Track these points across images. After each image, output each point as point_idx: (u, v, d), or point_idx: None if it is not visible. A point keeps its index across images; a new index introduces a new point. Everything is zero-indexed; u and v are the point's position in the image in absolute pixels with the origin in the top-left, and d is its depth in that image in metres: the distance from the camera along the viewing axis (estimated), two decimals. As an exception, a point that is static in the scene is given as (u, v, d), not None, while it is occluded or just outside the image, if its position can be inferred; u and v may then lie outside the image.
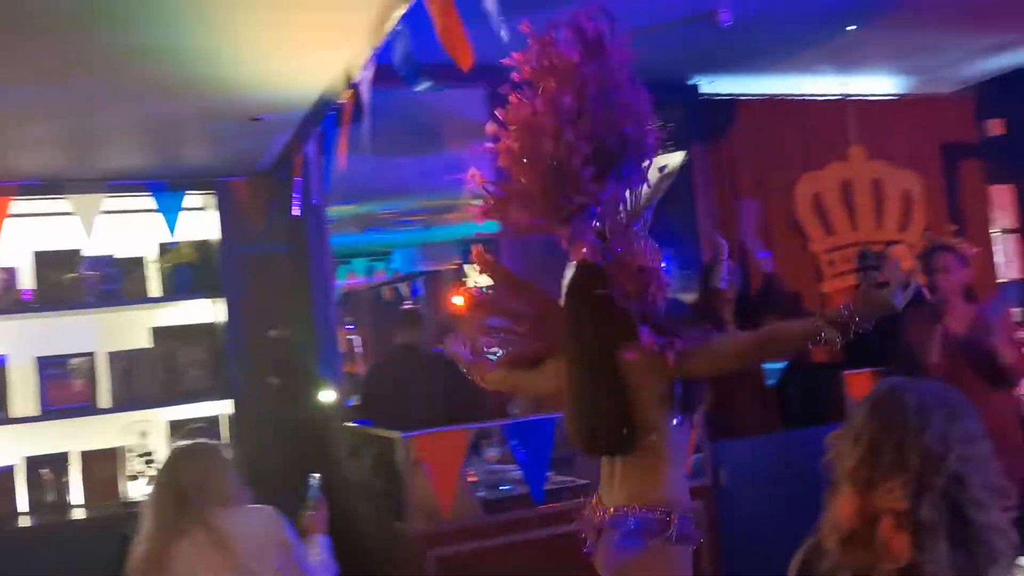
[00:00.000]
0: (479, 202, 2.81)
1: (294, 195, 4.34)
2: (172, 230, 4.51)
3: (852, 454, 1.51)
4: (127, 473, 4.48)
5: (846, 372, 4.38)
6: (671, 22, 4.30)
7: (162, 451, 4.37)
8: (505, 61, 2.76)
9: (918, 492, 1.43)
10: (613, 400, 2.43)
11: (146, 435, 4.53)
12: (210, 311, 4.77)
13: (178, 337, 4.66)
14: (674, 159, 5.25)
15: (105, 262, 4.54)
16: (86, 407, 4.42)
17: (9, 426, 4.32)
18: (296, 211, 4.41)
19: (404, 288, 9.26)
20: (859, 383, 4.27)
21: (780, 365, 4.88)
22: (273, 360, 4.89)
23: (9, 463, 4.34)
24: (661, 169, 2.96)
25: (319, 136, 4.00)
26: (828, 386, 4.40)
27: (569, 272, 2.71)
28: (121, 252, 4.62)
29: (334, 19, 2.83)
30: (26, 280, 4.45)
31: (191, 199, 4.66)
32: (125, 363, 4.52)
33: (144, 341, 4.60)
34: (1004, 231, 6.14)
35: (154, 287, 4.64)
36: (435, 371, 4.29)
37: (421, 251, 9.24)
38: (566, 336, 2.60)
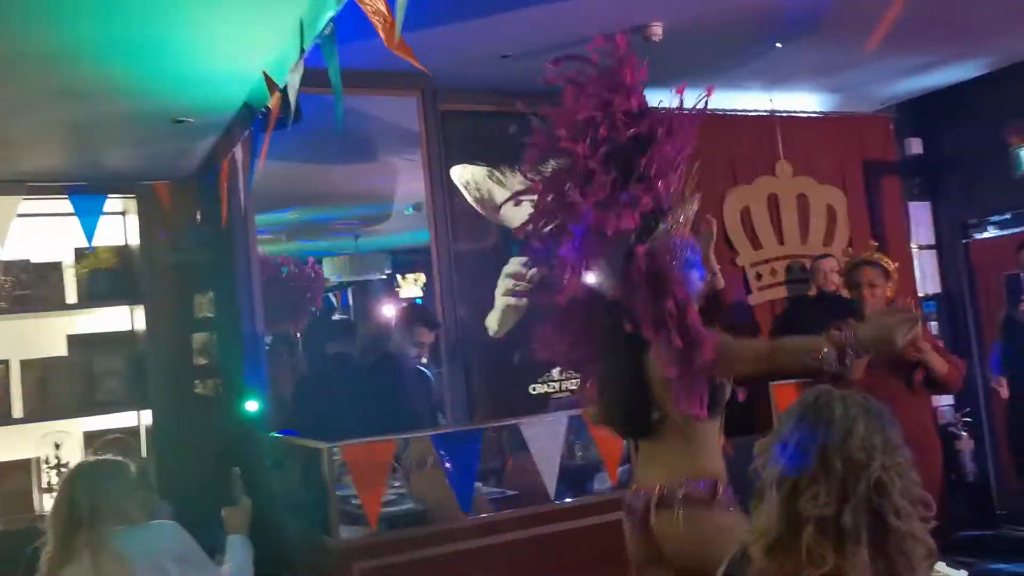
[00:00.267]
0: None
1: (222, 201, 4.25)
2: (90, 235, 4.37)
3: (779, 462, 1.53)
4: (41, 485, 4.31)
5: (771, 383, 4.44)
6: (604, 35, 4.34)
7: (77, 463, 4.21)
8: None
9: (842, 499, 1.45)
10: (641, 392, 2.57)
11: (61, 446, 4.37)
12: (129, 319, 4.63)
13: (95, 345, 4.52)
14: (605, 171, 5.30)
15: (20, 267, 4.38)
16: (-2, 417, 4.26)
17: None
18: (223, 218, 4.31)
19: (334, 298, 9.12)
20: (785, 394, 4.33)
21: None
22: (196, 369, 4.77)
23: (-85, 475, 4.14)
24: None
25: (246, 141, 3.92)
26: (754, 397, 4.45)
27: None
28: (37, 257, 4.46)
29: (261, 19, 2.77)
30: (-64, 284, 4.27)
31: (112, 203, 4.53)
32: (40, 371, 4.36)
33: (60, 349, 4.45)
34: (921, 247, 6.33)
35: (71, 293, 4.50)
36: (366, 381, 4.23)
37: (351, 261, 9.12)
38: (603, 332, 2.74)
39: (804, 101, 5.92)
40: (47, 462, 4.34)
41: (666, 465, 2.56)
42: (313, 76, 3.03)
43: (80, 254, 4.51)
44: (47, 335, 4.45)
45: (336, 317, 7.74)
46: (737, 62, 4.96)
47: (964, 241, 6.20)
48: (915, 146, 6.33)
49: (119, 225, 4.65)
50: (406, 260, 8.65)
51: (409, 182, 5.39)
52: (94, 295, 4.50)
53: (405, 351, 4.47)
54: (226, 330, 4.71)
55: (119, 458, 2.69)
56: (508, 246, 5.06)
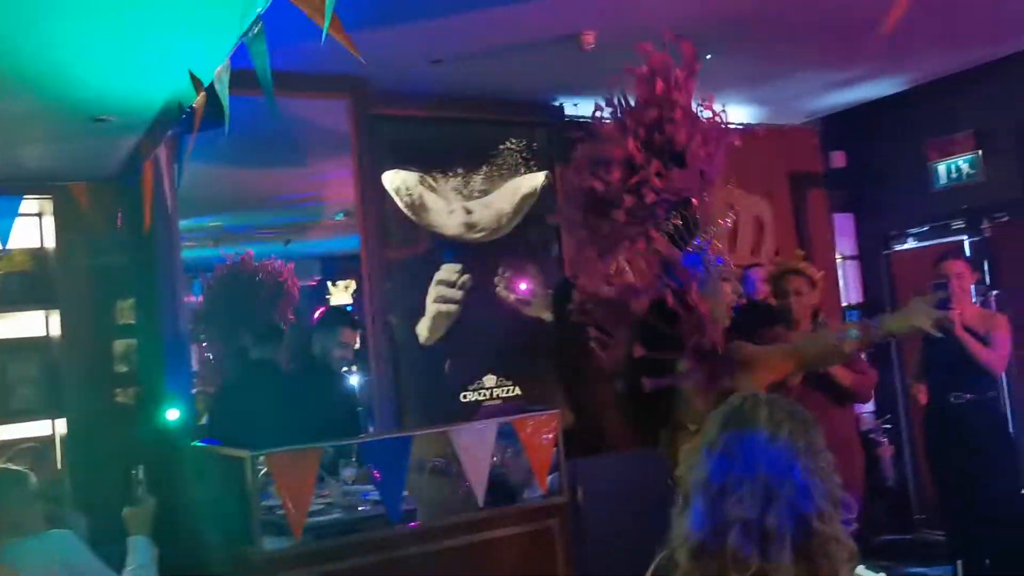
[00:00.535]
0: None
1: (144, 204, 4.13)
2: (4, 237, 4.22)
3: (704, 465, 1.54)
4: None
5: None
6: (536, 42, 4.35)
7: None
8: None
9: (766, 502, 1.46)
10: (664, 405, 2.78)
11: (-31, 457, 4.19)
12: (44, 324, 4.47)
13: (8, 351, 4.37)
14: (537, 179, 5.31)
15: (-72, 269, 4.21)
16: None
17: None
18: (145, 221, 4.18)
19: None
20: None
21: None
22: (117, 377, 4.63)
23: None
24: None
25: (171, 141, 3.82)
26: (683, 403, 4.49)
27: None
28: (-54, 259, 4.29)
29: (186, 14, 2.69)
30: None
31: (27, 204, 4.37)
32: (-52, 379, 4.19)
33: (-30, 355, 4.28)
34: (845, 258, 6.48)
35: (-18, 297, 4.33)
36: (292, 387, 4.15)
37: (281, 267, 8.98)
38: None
39: (733, 113, 6.00)
40: (-45, 473, 4.15)
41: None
42: (239, 77, 2.95)
43: (-8, 256, 4.35)
44: (-43, 340, 4.28)
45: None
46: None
47: (885, 252, 6.37)
48: (839, 159, 6.48)
49: (35, 227, 4.48)
50: (337, 267, 8.57)
51: (339, 187, 5.32)
52: (7, 299, 4.36)
53: (329, 355, 4.40)
54: (148, 337, 4.58)
55: (18, 468, 2.65)
56: (440, 252, 5.03)
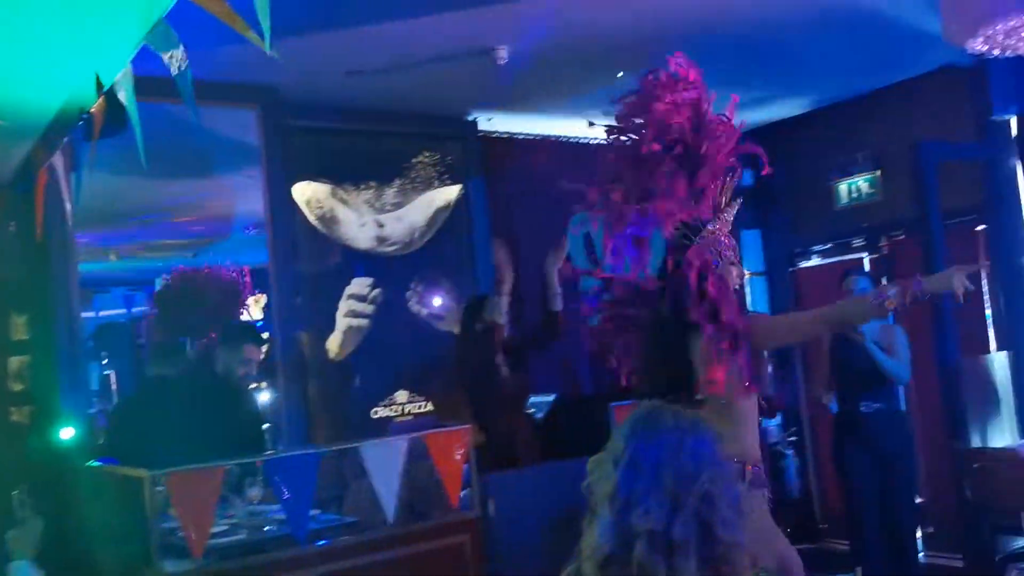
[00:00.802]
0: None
1: (36, 212, 3.96)
2: None
3: (611, 476, 1.53)
4: None
5: (613, 404, 4.51)
6: (450, 56, 4.34)
7: None
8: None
9: (672, 512, 1.46)
10: (685, 373, 2.90)
11: None
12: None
13: None
14: (450, 193, 5.30)
15: None
16: None
17: None
18: (38, 231, 4.01)
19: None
20: (626, 415, 4.40)
21: (549, 398, 4.97)
22: (11, 396, 4.42)
23: None
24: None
25: (67, 148, 3.67)
26: (595, 417, 4.51)
27: None
28: None
29: (82, 16, 2.59)
30: None
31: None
32: None
33: None
34: (752, 273, 6.62)
35: None
36: (192, 404, 4.01)
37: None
38: (649, 319, 3.10)
39: (644, 131, 6.10)
40: None
41: None
42: (142, 84, 2.86)
43: None
44: None
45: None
46: (582, 89, 5.06)
47: (791, 269, 6.54)
48: (747, 177, 6.62)
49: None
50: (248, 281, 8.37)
51: (250, 200, 5.21)
52: None
53: (232, 371, 4.28)
54: (43, 353, 4.38)
55: None
56: (351, 266, 4.96)
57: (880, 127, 5.73)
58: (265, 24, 2.08)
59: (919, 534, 4.99)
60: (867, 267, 5.83)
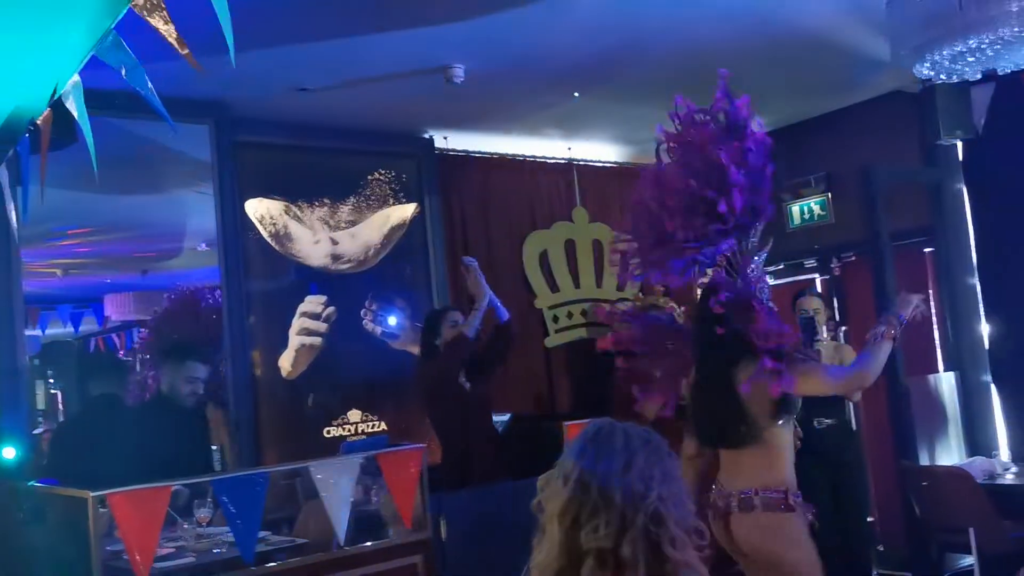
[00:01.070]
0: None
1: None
2: None
3: (561, 494, 1.52)
4: None
5: (566, 422, 4.51)
6: (405, 74, 4.33)
7: None
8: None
9: (621, 531, 1.46)
10: (732, 406, 2.93)
11: None
12: None
13: None
14: (406, 211, 5.27)
15: None
16: None
17: None
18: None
19: (117, 339, 8.56)
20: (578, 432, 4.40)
21: (504, 417, 4.95)
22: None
23: None
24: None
25: (11, 161, 3.58)
26: (548, 436, 4.50)
27: None
28: None
29: (23, 24, 2.53)
30: None
31: None
32: None
33: None
34: (707, 293, 6.67)
35: None
36: (135, 423, 3.92)
37: (137, 299, 8.59)
38: (695, 354, 3.14)
39: (602, 151, 6.15)
40: None
41: (747, 473, 2.95)
42: (90, 97, 2.80)
43: None
44: None
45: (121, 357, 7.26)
46: (537, 108, 5.08)
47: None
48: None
49: None
50: (198, 299, 8.24)
51: (202, 216, 5.13)
52: None
53: (177, 389, 4.19)
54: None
55: None
56: (304, 283, 4.90)
57: (831, 150, 5.82)
58: (228, 36, 2.05)
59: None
60: (819, 288, 5.90)
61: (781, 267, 6.29)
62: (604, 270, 6.03)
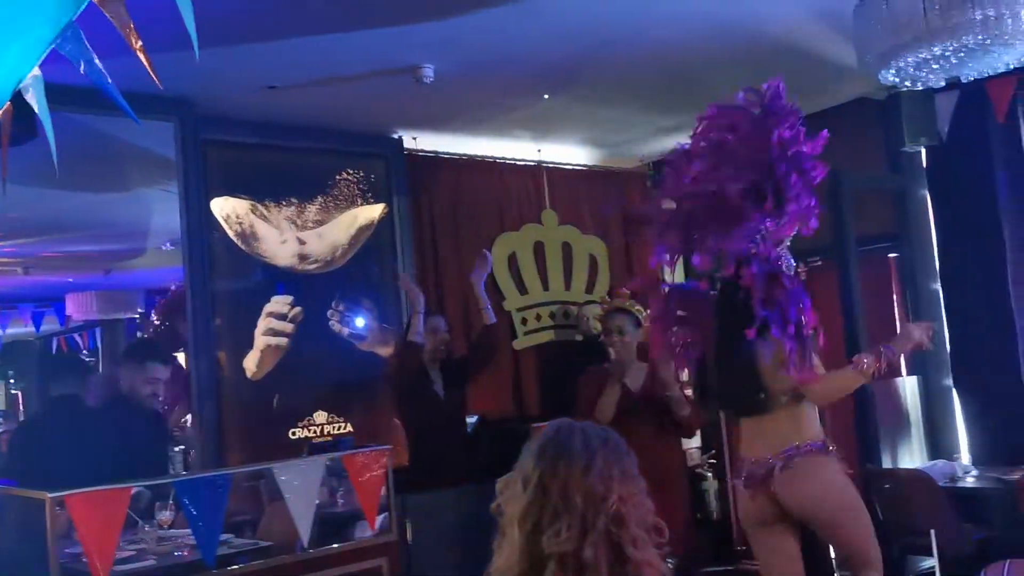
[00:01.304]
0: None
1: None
2: None
3: (521, 498, 1.51)
4: None
5: (534, 424, 4.51)
6: (374, 73, 4.31)
7: None
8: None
9: (582, 533, 1.45)
10: (752, 378, 3.14)
11: None
12: None
13: None
14: (374, 211, 5.24)
15: None
16: None
17: None
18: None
19: (80, 338, 8.45)
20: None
21: (471, 420, 4.93)
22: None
23: None
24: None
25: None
26: (516, 438, 4.49)
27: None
28: None
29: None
30: None
31: None
32: None
33: None
34: (675, 297, 6.69)
35: None
36: (93, 424, 3.85)
37: (100, 298, 8.48)
38: (719, 332, 3.33)
39: (571, 153, 6.15)
40: None
41: (777, 436, 3.12)
42: (51, 92, 2.74)
43: None
44: None
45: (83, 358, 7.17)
46: (507, 109, 5.08)
47: (712, 291, 6.61)
48: (668, 202, 6.71)
49: None
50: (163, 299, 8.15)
51: (167, 215, 5.07)
52: None
53: (136, 390, 4.13)
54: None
55: None
56: (271, 283, 4.86)
57: (798, 155, 5.86)
58: (191, 28, 2.02)
59: (832, 554, 5.06)
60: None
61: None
62: (573, 272, 6.04)
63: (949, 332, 5.34)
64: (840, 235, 5.08)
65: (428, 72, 4.27)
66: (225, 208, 4.74)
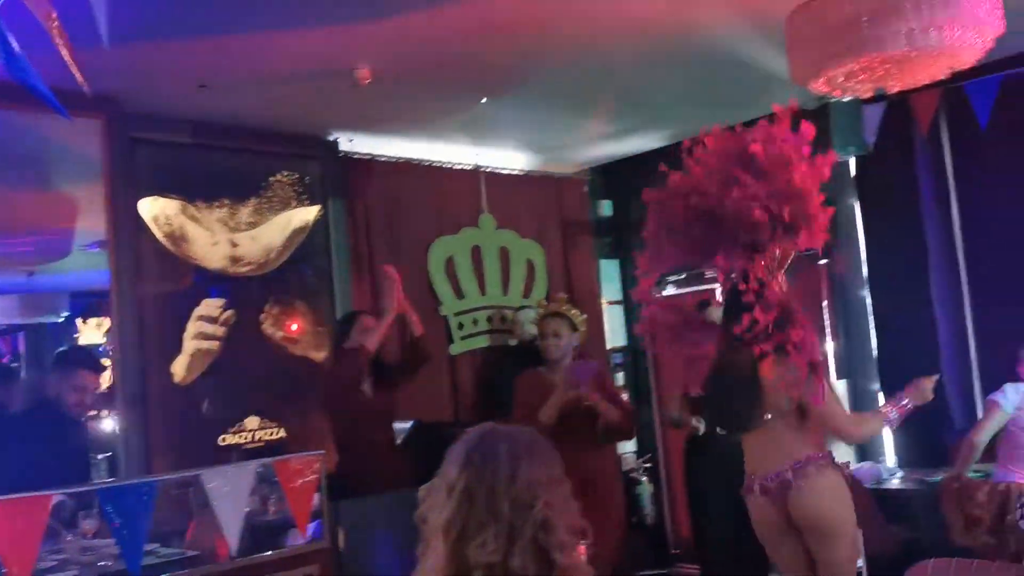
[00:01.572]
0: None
1: None
2: None
3: (445, 507, 1.48)
4: None
5: (468, 430, 4.47)
6: (309, 73, 4.25)
7: None
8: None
9: (509, 543, 1.42)
10: (754, 396, 3.24)
11: None
12: None
13: None
14: (309, 214, 5.17)
15: None
16: None
17: None
18: None
19: (2, 343, 8.16)
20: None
21: (406, 425, 4.89)
22: None
23: None
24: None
25: None
26: (452, 443, 4.46)
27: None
28: None
29: None
30: None
31: None
32: None
33: None
34: (610, 303, 6.74)
35: None
36: (11, 431, 3.72)
37: (23, 301, 8.21)
38: (722, 342, 3.38)
39: (510, 158, 6.15)
40: None
41: (785, 450, 3.25)
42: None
43: None
44: None
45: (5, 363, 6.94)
46: (444, 112, 5.05)
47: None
48: (606, 208, 6.77)
49: None
50: (89, 302, 7.93)
51: (93, 216, 4.92)
52: None
53: (63, 397, 4.00)
54: None
55: None
56: (201, 286, 4.75)
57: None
58: (102, 21, 1.96)
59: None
60: (719, 298, 6.01)
61: (683, 277, 6.40)
62: (511, 277, 6.03)
63: (876, 338, 5.47)
64: (772, 242, 5.15)
65: (365, 73, 4.22)
66: (154, 209, 4.62)
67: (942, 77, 3.67)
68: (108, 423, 4.83)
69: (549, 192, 6.42)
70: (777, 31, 3.87)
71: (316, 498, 3.63)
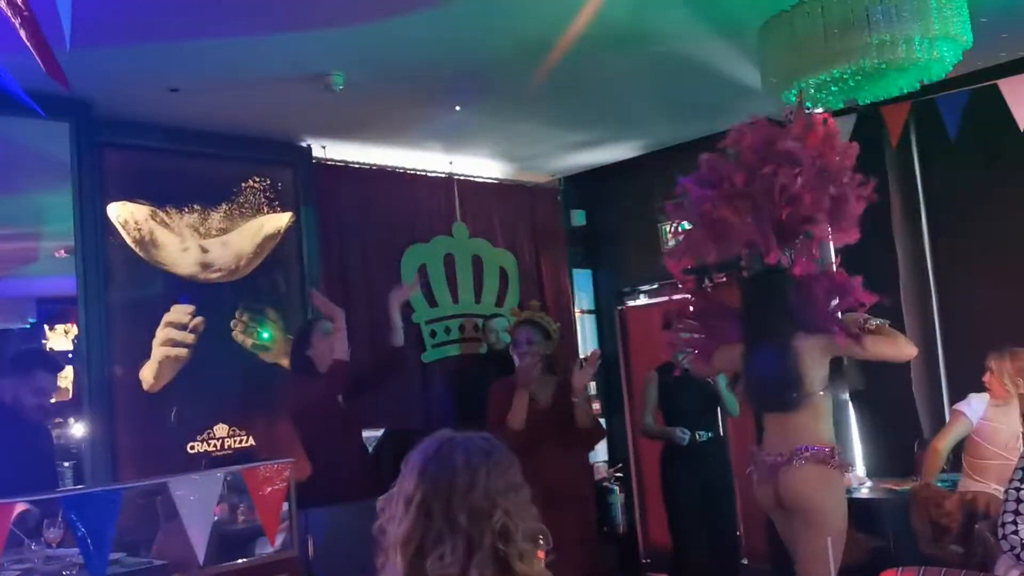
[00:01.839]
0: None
1: None
2: None
3: (403, 520, 1.45)
4: None
5: (425, 439, 4.45)
6: (282, 79, 4.22)
7: None
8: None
9: (468, 555, 1.40)
10: (790, 373, 3.31)
11: None
12: None
13: None
14: (280, 220, 5.13)
15: None
16: None
17: None
18: None
19: (-36, 349, 7.99)
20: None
21: (377, 433, 4.85)
22: None
23: None
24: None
25: None
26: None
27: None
28: None
29: None
30: None
31: None
32: None
33: None
34: (583, 311, 6.75)
35: None
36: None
37: (-12, 307, 8.09)
38: (754, 322, 3.48)
39: (484, 166, 6.15)
40: None
41: (796, 435, 3.33)
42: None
43: None
44: None
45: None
46: (418, 120, 5.05)
47: (619, 307, 6.71)
48: (579, 217, 6.79)
49: None
50: (57, 309, 7.81)
51: (61, 220, 4.86)
52: None
53: (22, 401, 3.92)
54: None
55: None
56: (171, 292, 4.70)
57: (704, 173, 5.98)
58: (66, 22, 1.93)
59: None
60: (692, 308, 6.03)
61: (655, 286, 6.43)
62: (483, 285, 6.02)
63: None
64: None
65: (338, 80, 4.20)
66: (123, 213, 4.58)
67: (911, 89, 3.71)
68: (75, 429, 4.75)
69: (522, 201, 6.43)
70: (749, 41, 3.90)
71: (285, 506, 3.59)
